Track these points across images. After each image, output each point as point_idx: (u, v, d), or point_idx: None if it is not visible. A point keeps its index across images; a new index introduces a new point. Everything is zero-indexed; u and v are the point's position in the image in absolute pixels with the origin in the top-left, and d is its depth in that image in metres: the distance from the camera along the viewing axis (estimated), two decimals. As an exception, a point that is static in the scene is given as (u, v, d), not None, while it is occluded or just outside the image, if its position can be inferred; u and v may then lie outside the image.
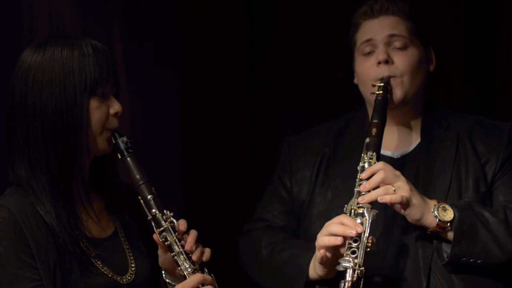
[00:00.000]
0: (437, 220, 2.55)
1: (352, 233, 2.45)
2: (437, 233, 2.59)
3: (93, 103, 2.31)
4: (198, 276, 2.31)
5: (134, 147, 2.37)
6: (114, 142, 2.37)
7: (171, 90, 3.71)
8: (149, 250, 2.45)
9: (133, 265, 2.41)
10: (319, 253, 2.52)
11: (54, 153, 2.29)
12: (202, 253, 2.36)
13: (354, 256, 2.44)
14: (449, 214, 2.56)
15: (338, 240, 2.46)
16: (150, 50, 3.62)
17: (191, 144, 3.77)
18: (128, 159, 2.36)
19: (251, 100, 3.88)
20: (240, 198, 3.84)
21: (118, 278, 2.36)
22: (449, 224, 2.55)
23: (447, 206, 2.58)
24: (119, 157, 2.37)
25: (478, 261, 2.57)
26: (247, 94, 3.87)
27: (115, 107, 2.36)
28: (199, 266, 2.34)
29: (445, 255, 2.59)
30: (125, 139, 2.36)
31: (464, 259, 2.57)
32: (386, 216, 2.67)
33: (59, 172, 2.29)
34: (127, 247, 2.43)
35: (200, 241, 2.40)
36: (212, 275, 2.36)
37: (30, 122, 2.29)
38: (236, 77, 3.84)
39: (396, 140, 2.83)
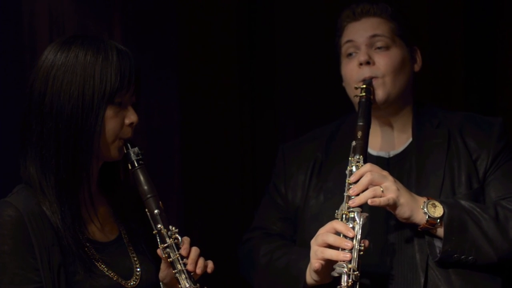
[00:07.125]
0: (427, 217, 2.56)
1: (348, 246, 2.45)
2: (428, 230, 2.59)
3: (109, 112, 2.30)
4: None
5: (144, 159, 2.36)
6: (125, 151, 2.36)
7: (171, 90, 3.71)
8: (154, 255, 2.43)
9: (138, 269, 2.40)
10: (315, 265, 2.52)
11: (64, 155, 2.27)
12: (205, 266, 2.34)
13: (348, 261, 2.45)
14: (438, 211, 2.57)
15: (340, 256, 2.46)
16: (150, 51, 3.61)
17: (191, 144, 3.77)
18: (138, 171, 2.35)
19: (251, 99, 3.88)
20: (241, 196, 3.85)
21: (123, 282, 2.36)
22: (438, 220, 2.56)
23: (436, 203, 2.58)
24: (129, 167, 2.36)
25: (470, 258, 2.58)
26: (247, 94, 3.87)
27: (131, 117, 2.34)
28: (199, 285, 2.32)
29: (437, 251, 2.60)
30: (136, 150, 2.36)
31: (455, 255, 2.58)
32: (380, 215, 2.68)
33: (67, 175, 2.28)
34: (131, 251, 2.43)
35: (200, 241, 2.40)
36: None
37: (45, 121, 2.27)
38: (236, 77, 3.84)
39: (388, 140, 2.83)
